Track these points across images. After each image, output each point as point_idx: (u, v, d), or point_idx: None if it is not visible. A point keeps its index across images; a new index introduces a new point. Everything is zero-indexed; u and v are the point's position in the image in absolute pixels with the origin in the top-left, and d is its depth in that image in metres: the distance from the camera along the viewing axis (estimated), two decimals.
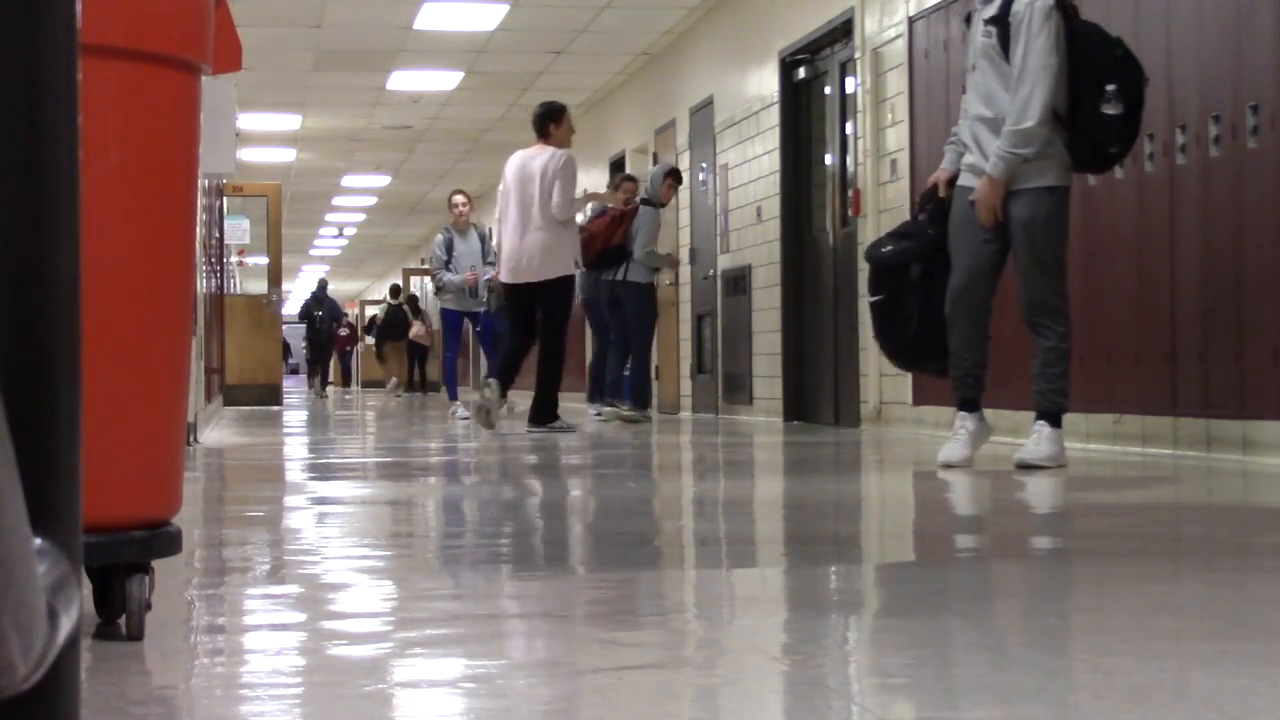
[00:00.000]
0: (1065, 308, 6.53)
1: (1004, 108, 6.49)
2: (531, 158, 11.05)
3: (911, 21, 10.11)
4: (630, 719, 1.99)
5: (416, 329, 27.34)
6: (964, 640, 2.57)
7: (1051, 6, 6.43)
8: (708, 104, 14.57)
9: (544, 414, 10.91)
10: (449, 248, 14.67)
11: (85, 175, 1.04)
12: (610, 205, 12.96)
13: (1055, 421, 6.54)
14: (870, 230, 10.65)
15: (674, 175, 13.64)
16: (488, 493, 6.00)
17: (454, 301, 14.77)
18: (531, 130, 11.46)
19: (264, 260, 19.95)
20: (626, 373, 13.65)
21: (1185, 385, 7.13)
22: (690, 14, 14.66)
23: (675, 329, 15.67)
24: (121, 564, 2.50)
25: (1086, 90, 6.42)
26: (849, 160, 11.44)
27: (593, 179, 17.90)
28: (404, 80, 17.47)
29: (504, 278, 11.10)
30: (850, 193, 11.21)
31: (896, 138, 10.40)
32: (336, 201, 29.54)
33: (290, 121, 20.07)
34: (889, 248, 6.84)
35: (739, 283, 13.55)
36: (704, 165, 14.68)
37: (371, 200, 29.13)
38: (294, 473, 7.42)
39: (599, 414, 13.20)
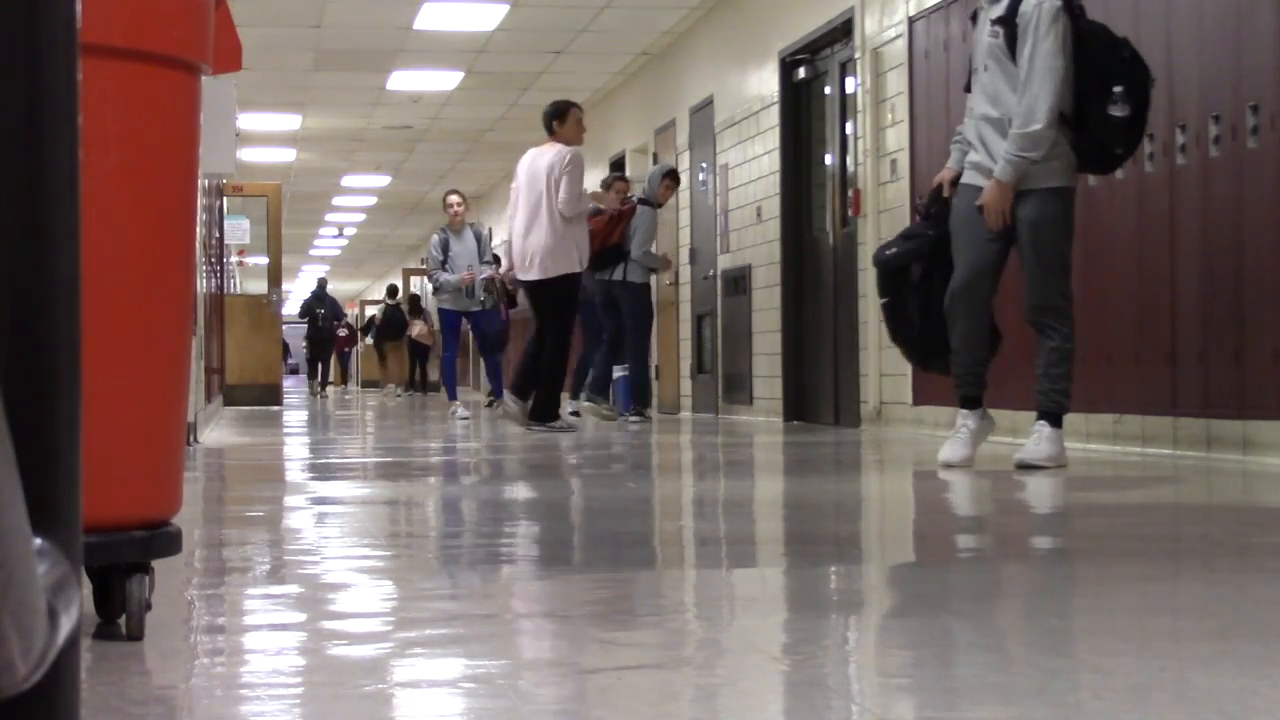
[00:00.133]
0: (1070, 309, 6.54)
1: (1010, 108, 6.49)
2: (539, 155, 11.09)
3: (911, 21, 10.11)
4: (630, 719, 1.99)
5: (419, 329, 27.34)
6: (964, 640, 2.57)
7: (1059, 8, 6.43)
8: (708, 104, 14.57)
9: (545, 413, 10.90)
10: (445, 248, 14.68)
11: (85, 175, 1.04)
12: (604, 206, 12.95)
13: (1056, 422, 6.54)
14: (870, 230, 10.65)
15: (672, 176, 13.65)
16: (487, 493, 6.00)
17: (451, 301, 14.78)
18: (534, 129, 11.49)
19: (264, 260, 19.95)
20: (625, 373, 13.65)
21: (1185, 385, 7.13)
22: (690, 14, 14.66)
23: (675, 329, 15.67)
24: (121, 564, 2.50)
25: (1093, 92, 6.42)
26: (849, 160, 11.44)
27: (593, 179, 17.89)
28: (404, 80, 17.47)
29: (515, 275, 11.24)
30: (850, 193, 11.21)
31: (896, 138, 10.40)
32: (336, 201, 29.54)
33: (290, 121, 20.07)
34: (893, 250, 6.86)
35: (739, 283, 13.55)
36: (704, 165, 14.68)
37: (371, 200, 29.13)
38: (294, 473, 7.42)
39: (574, 411, 13.19)
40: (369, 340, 35.21)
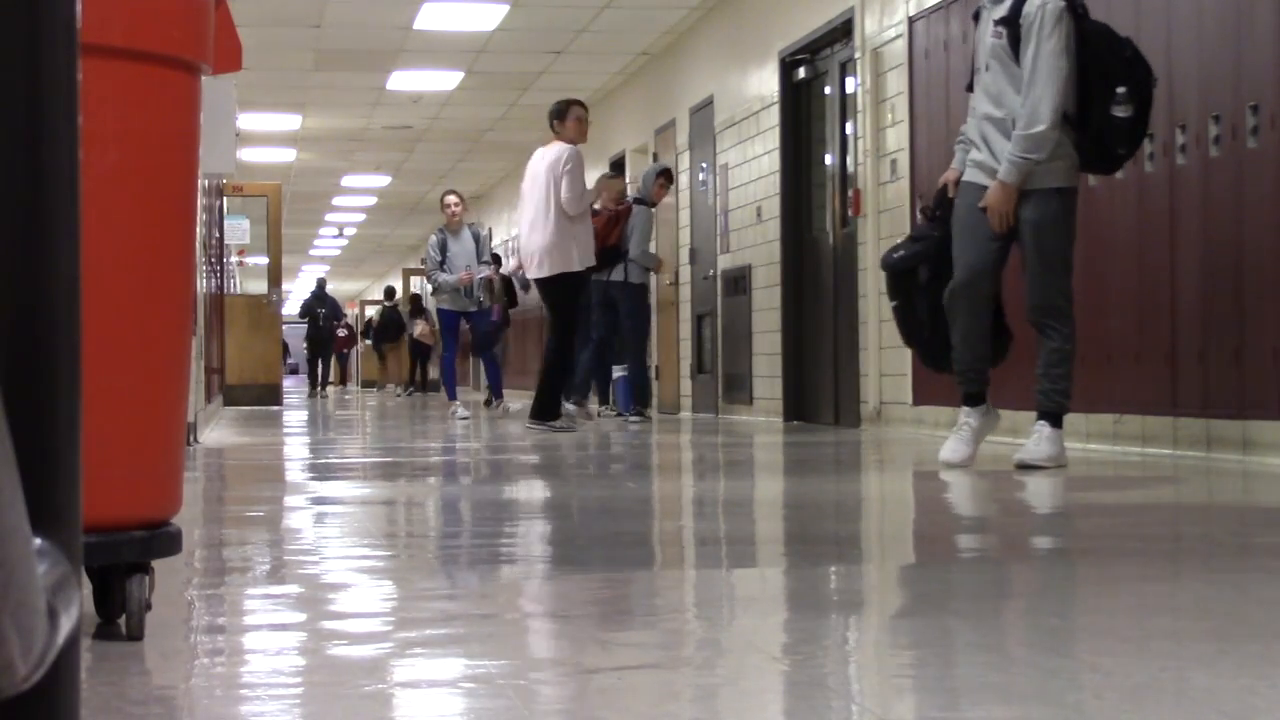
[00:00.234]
0: (1070, 309, 6.54)
1: (1013, 108, 6.49)
2: (543, 155, 11.15)
3: (911, 21, 10.11)
4: (630, 719, 1.99)
5: (421, 329, 27.36)
6: (964, 640, 2.57)
7: (1063, 8, 6.43)
8: (708, 104, 14.57)
9: (545, 412, 10.92)
10: (443, 248, 14.69)
11: (85, 175, 1.04)
12: (598, 206, 12.97)
13: (1056, 422, 6.54)
14: (870, 230, 10.65)
15: (665, 175, 13.67)
16: (487, 493, 6.00)
17: (450, 302, 14.78)
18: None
19: (264, 260, 19.95)
20: (624, 373, 13.66)
21: (1185, 385, 7.13)
22: (690, 14, 14.66)
23: (675, 329, 15.67)
24: (121, 564, 2.50)
25: (1096, 92, 6.42)
26: (849, 160, 11.43)
27: (591, 179, 17.87)
28: (404, 80, 17.47)
29: (524, 274, 11.37)
30: (850, 193, 11.21)
31: (896, 138, 10.40)
32: (336, 201, 29.54)
33: (290, 121, 20.07)
34: (900, 253, 6.86)
35: (739, 283, 13.55)
36: (704, 165, 14.68)
37: (371, 200, 29.13)
38: (294, 473, 7.42)
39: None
40: (368, 342, 35.25)
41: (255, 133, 20.21)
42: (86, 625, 2.61)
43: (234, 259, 18.96)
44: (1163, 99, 7.10)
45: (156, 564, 2.59)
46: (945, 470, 6.54)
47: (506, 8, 14.29)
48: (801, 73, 12.40)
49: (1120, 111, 6.40)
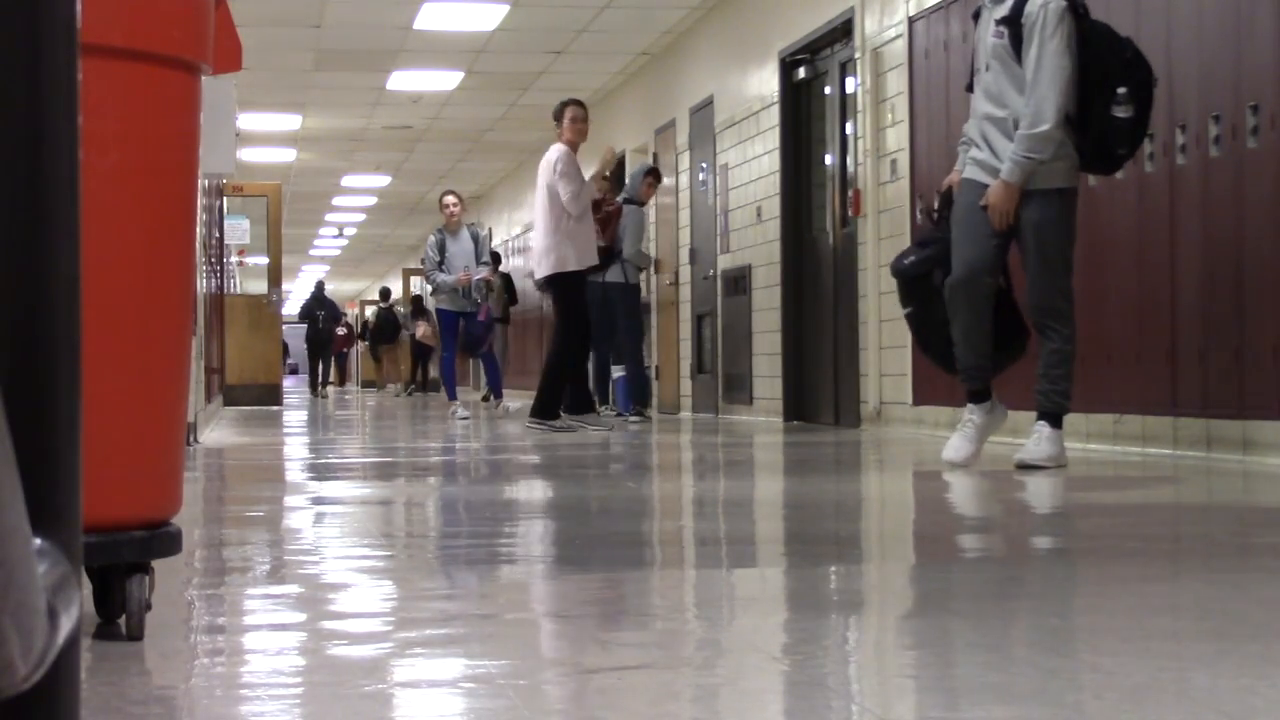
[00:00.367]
0: (1071, 310, 6.54)
1: (1015, 108, 6.49)
2: (544, 156, 11.20)
3: (911, 21, 10.11)
4: (630, 719, 1.99)
5: (423, 329, 27.40)
6: (965, 640, 2.57)
7: (1064, 8, 6.43)
8: (708, 104, 14.57)
9: (544, 411, 10.94)
10: (441, 249, 14.68)
11: (85, 175, 1.04)
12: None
13: (1056, 422, 6.54)
14: (870, 230, 10.65)
15: (653, 174, 13.68)
16: (487, 493, 6.00)
17: (448, 302, 14.78)
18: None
19: (264, 260, 19.95)
20: (622, 374, 13.68)
21: (1185, 385, 7.13)
22: (690, 14, 14.66)
23: (675, 329, 15.68)
24: (121, 564, 2.50)
25: (1097, 93, 6.42)
26: (849, 160, 11.43)
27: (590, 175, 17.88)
28: (404, 80, 17.47)
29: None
30: (850, 193, 11.21)
31: (896, 138, 10.40)
32: (336, 201, 29.54)
33: (290, 121, 20.07)
34: (911, 259, 6.83)
35: (739, 283, 13.55)
36: (704, 165, 14.68)
37: (371, 200, 29.13)
38: (294, 473, 7.42)
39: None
40: (366, 342, 35.29)
41: (255, 133, 20.21)
42: (86, 625, 2.61)
43: (234, 259, 18.96)
44: (1163, 99, 7.09)
45: (156, 564, 2.59)
46: (948, 470, 6.54)
47: (506, 8, 14.28)
48: (801, 73, 12.40)
49: (1120, 112, 6.40)
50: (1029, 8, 6.46)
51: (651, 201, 16.62)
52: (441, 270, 14.63)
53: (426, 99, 18.56)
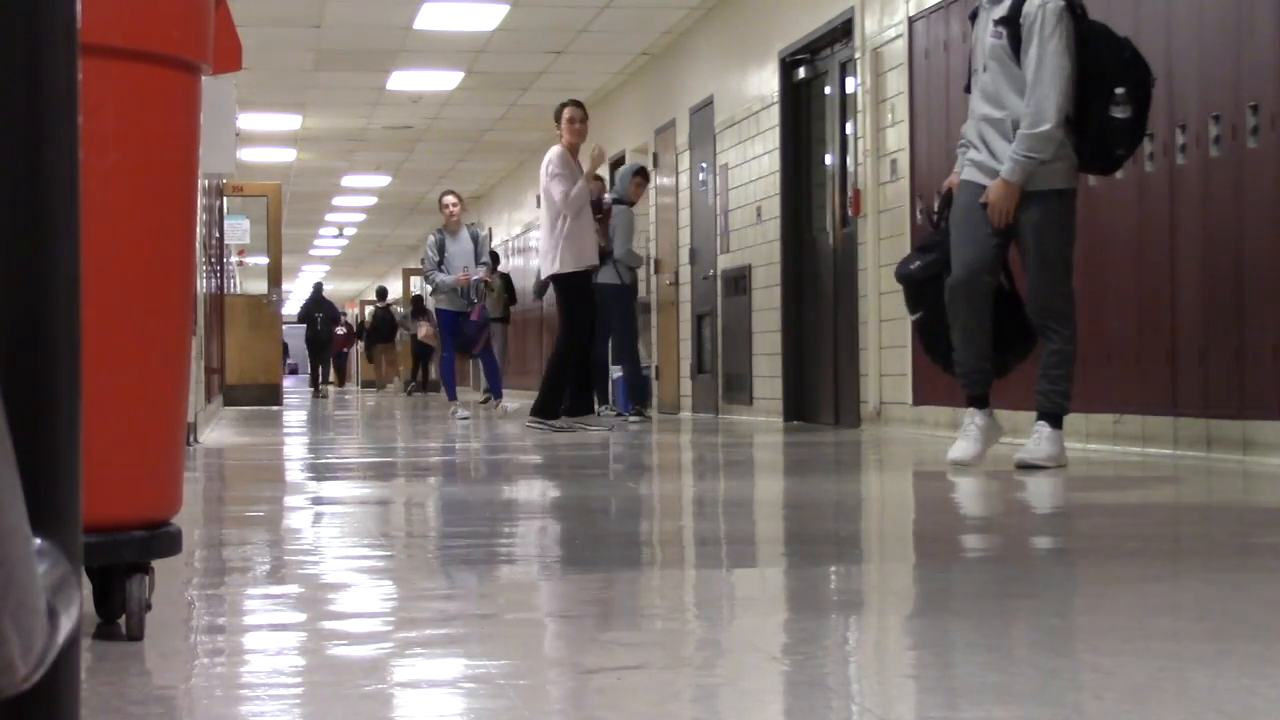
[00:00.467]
0: (1071, 311, 6.54)
1: (1013, 109, 6.48)
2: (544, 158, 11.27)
3: (911, 21, 10.11)
4: (630, 719, 1.99)
5: (424, 329, 27.43)
6: (964, 640, 2.57)
7: (1063, 8, 6.43)
8: (708, 104, 14.57)
9: (544, 410, 10.97)
10: (440, 249, 14.68)
11: (85, 175, 1.04)
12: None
13: (1056, 422, 6.54)
14: (870, 230, 10.65)
15: (641, 174, 13.69)
16: (486, 493, 6.00)
17: (448, 302, 14.78)
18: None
19: (264, 260, 19.95)
20: (619, 375, 13.68)
21: (1185, 385, 7.13)
22: (690, 14, 14.66)
23: (675, 329, 15.68)
24: (121, 564, 2.50)
25: (1095, 93, 6.42)
26: (849, 160, 11.43)
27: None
28: (404, 80, 17.47)
29: None
30: (850, 193, 11.21)
31: (896, 138, 10.40)
32: (336, 201, 29.54)
33: (290, 121, 20.07)
34: (917, 263, 6.79)
35: (739, 283, 13.55)
36: (704, 165, 14.67)
37: (371, 200, 29.13)
38: (294, 473, 7.42)
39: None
40: (362, 342, 35.34)
41: (255, 133, 20.21)
42: (86, 625, 2.61)
43: (234, 259, 18.96)
44: (1163, 99, 7.09)
45: (156, 564, 2.59)
46: (954, 470, 6.52)
47: (506, 8, 14.28)
48: (801, 73, 12.40)
49: (1119, 112, 6.40)
50: (1027, 8, 6.46)
51: (651, 201, 16.68)
52: (441, 270, 14.63)
53: (426, 99, 18.56)
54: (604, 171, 17.54)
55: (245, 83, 15.16)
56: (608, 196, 13.47)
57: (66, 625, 0.94)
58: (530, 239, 21.64)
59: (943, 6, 9.63)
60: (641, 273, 16.65)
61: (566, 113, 11.26)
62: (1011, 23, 6.49)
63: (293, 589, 3.29)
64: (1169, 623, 2.74)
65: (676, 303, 15.58)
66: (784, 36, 12.52)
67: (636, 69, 17.10)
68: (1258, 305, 6.66)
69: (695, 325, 15.00)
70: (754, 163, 13.25)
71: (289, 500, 5.72)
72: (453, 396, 15.11)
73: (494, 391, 16.16)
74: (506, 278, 21.11)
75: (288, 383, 28.52)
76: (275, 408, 18.87)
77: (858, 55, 11.00)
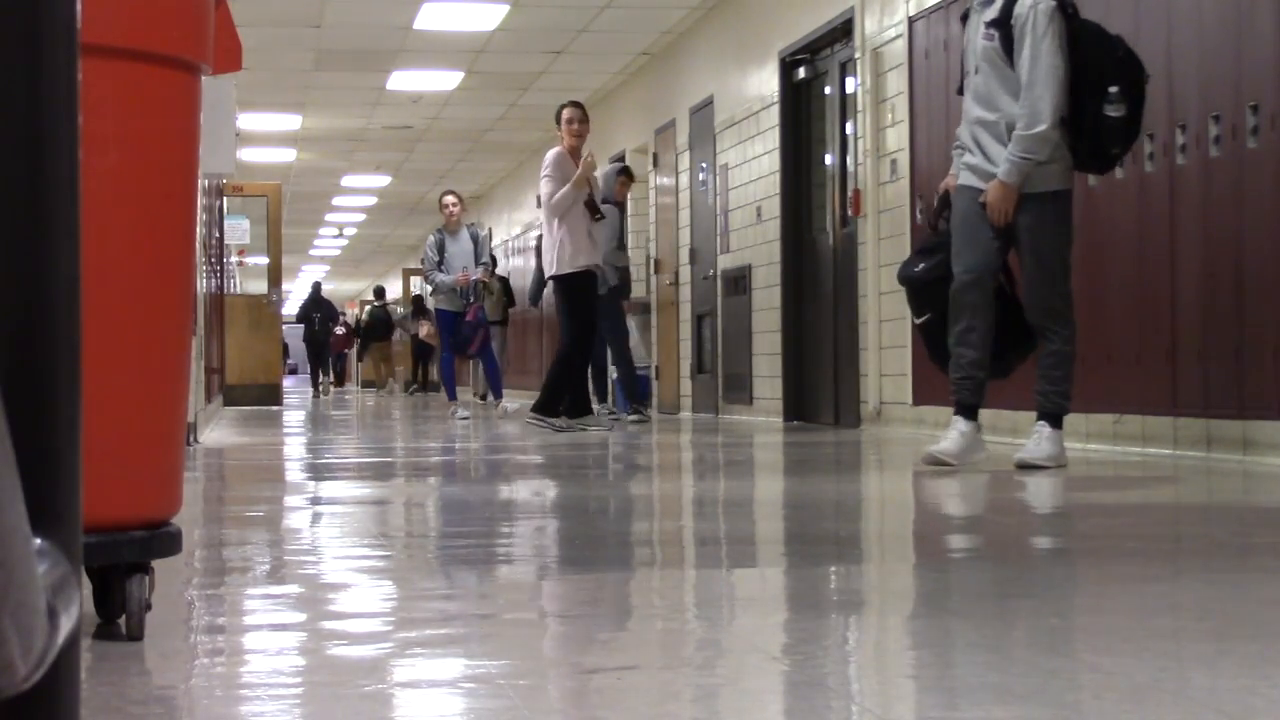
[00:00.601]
0: (1070, 312, 6.53)
1: (1007, 111, 6.48)
2: None
3: (911, 21, 10.11)
4: (630, 719, 1.99)
5: (425, 329, 27.44)
6: (964, 640, 2.57)
7: (1054, 8, 6.42)
8: (708, 104, 14.57)
9: (544, 408, 11.03)
10: (440, 249, 14.69)
11: (85, 175, 1.04)
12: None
13: (1056, 422, 6.54)
14: (870, 230, 10.65)
15: (626, 173, 13.69)
16: (486, 493, 6.00)
17: (447, 302, 14.78)
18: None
19: (264, 260, 19.95)
20: (615, 376, 13.70)
21: (1185, 385, 7.13)
22: (690, 14, 14.66)
23: (675, 329, 15.68)
24: (121, 564, 2.50)
25: (1089, 92, 6.41)
26: (849, 160, 11.43)
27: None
28: (404, 80, 17.47)
29: None
30: (850, 193, 11.21)
31: (896, 138, 10.40)
32: (336, 201, 29.54)
33: (290, 121, 20.06)
34: (921, 265, 6.74)
35: (739, 283, 13.55)
36: (704, 165, 14.68)
37: (371, 200, 29.13)
38: (294, 473, 7.42)
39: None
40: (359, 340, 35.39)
41: (255, 133, 20.21)
42: (86, 625, 2.61)
43: (234, 259, 18.96)
44: (1163, 99, 7.10)
45: (156, 564, 2.59)
46: (932, 470, 6.46)
47: (506, 8, 14.28)
48: (801, 73, 12.40)
49: (1113, 111, 6.39)
50: (1018, 9, 6.45)
51: (651, 201, 16.68)
52: (440, 270, 14.63)
53: (426, 99, 18.56)
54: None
55: (245, 83, 15.16)
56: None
57: (66, 625, 0.94)
58: (530, 239, 21.64)
59: (943, 6, 9.63)
60: (641, 273, 16.68)
61: (565, 114, 11.28)
62: (1003, 24, 6.48)
63: (293, 589, 3.29)
64: (1169, 623, 2.74)
65: (676, 303, 15.58)
66: (784, 36, 12.53)
67: (636, 69, 17.10)
68: (1258, 305, 6.66)
69: (695, 325, 15.00)
70: (754, 163, 13.25)
71: (289, 500, 5.72)
72: (452, 396, 15.11)
73: (494, 392, 16.16)
74: (504, 280, 21.12)
75: (287, 383, 28.53)
76: (275, 408, 18.87)
77: (858, 55, 11.01)
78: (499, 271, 20.03)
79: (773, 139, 12.76)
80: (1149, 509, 5.13)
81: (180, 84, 2.54)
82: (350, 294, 52.89)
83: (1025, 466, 6.44)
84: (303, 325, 29.28)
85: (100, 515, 2.41)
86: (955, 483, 6.05)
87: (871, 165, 10.69)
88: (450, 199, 14.85)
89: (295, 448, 9.76)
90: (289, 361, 41.29)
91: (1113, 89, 6.38)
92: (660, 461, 8.20)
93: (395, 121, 20.09)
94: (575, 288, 11.01)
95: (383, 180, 25.98)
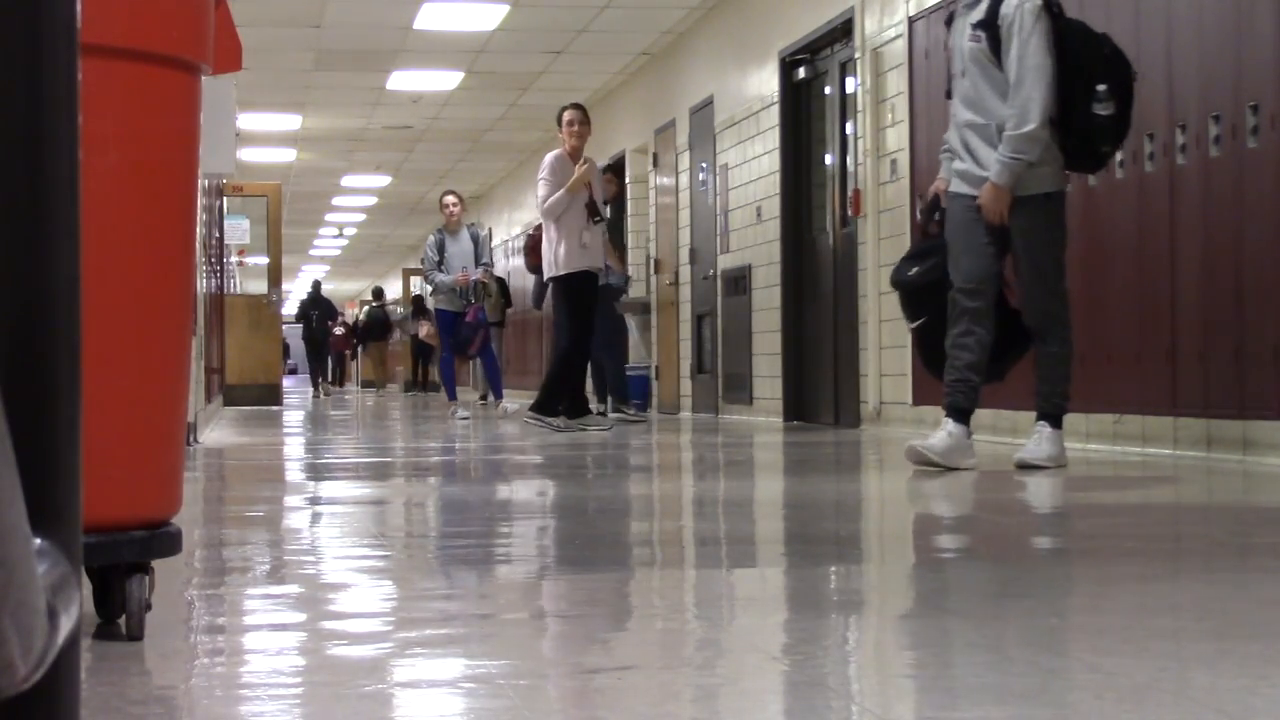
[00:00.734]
0: (1066, 312, 6.53)
1: (996, 113, 6.47)
2: None
3: (911, 21, 10.11)
4: (630, 719, 1.99)
5: (426, 329, 27.44)
6: (964, 640, 2.57)
7: (1040, 7, 6.41)
8: (708, 104, 14.57)
9: (543, 407, 11.06)
10: (440, 249, 14.69)
11: (85, 175, 1.04)
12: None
13: (1056, 422, 6.54)
14: (870, 230, 10.64)
15: (611, 172, 13.70)
16: (486, 493, 6.00)
17: (447, 302, 14.78)
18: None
19: (264, 260, 19.95)
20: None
21: (1185, 385, 7.13)
22: (690, 14, 14.66)
23: (675, 329, 15.68)
24: (121, 564, 2.50)
25: (1078, 91, 6.41)
26: (849, 160, 11.43)
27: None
28: (404, 80, 17.47)
29: None
30: (850, 193, 11.21)
31: (896, 138, 10.40)
32: (336, 201, 29.54)
33: (290, 121, 20.06)
34: (915, 269, 6.73)
35: (739, 283, 13.55)
36: (704, 165, 14.67)
37: (371, 200, 29.13)
38: (293, 473, 7.42)
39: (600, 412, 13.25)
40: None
41: (255, 133, 20.20)
42: (86, 625, 2.61)
43: (234, 259, 18.96)
44: (1163, 99, 7.10)
45: (156, 564, 2.59)
46: (914, 469, 6.44)
47: (506, 8, 14.28)
48: (801, 73, 12.40)
49: (1102, 109, 6.38)
50: (1004, 9, 6.44)
51: (651, 201, 16.68)
52: (440, 270, 14.63)
53: (426, 99, 18.55)
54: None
55: (245, 83, 15.16)
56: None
57: (66, 625, 0.94)
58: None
59: (943, 6, 9.63)
60: (641, 273, 16.68)
61: (566, 116, 11.30)
62: (990, 26, 6.47)
63: (293, 589, 3.29)
64: (1169, 623, 2.74)
65: (676, 303, 15.57)
66: (784, 36, 12.52)
67: (636, 69, 17.10)
68: (1258, 305, 6.66)
69: (695, 325, 15.00)
70: (754, 163, 13.25)
71: (289, 500, 5.72)
72: (452, 396, 15.11)
73: (495, 392, 16.16)
74: (502, 281, 21.12)
75: (287, 383, 28.54)
76: (275, 408, 18.87)
77: (858, 55, 11.01)
78: (497, 272, 20.03)
79: (773, 139, 12.76)
80: (1149, 509, 5.13)
81: (180, 84, 2.54)
82: (350, 294, 52.90)
83: (1025, 466, 6.44)
84: (301, 324, 29.28)
85: (100, 515, 2.41)
86: (955, 483, 6.05)
87: (871, 165, 10.69)
88: (451, 199, 14.85)
89: (295, 448, 9.76)
90: (289, 361, 41.31)
91: (1101, 87, 6.37)
92: (660, 461, 8.20)
93: (395, 121, 20.09)
94: (574, 288, 11.02)
95: (383, 180, 25.97)
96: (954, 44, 6.66)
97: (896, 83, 10.38)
